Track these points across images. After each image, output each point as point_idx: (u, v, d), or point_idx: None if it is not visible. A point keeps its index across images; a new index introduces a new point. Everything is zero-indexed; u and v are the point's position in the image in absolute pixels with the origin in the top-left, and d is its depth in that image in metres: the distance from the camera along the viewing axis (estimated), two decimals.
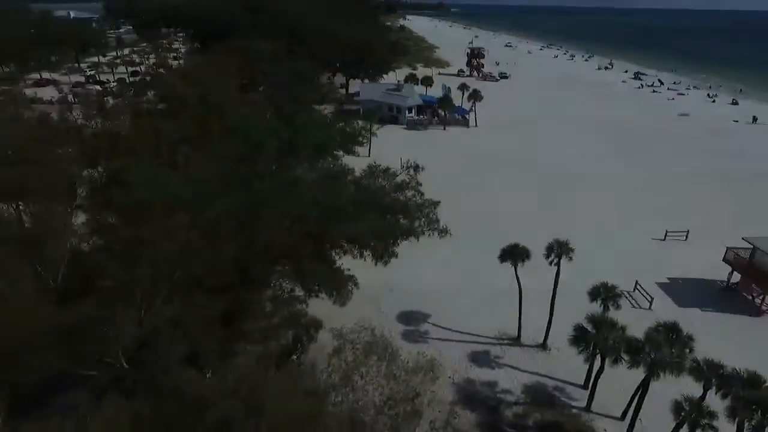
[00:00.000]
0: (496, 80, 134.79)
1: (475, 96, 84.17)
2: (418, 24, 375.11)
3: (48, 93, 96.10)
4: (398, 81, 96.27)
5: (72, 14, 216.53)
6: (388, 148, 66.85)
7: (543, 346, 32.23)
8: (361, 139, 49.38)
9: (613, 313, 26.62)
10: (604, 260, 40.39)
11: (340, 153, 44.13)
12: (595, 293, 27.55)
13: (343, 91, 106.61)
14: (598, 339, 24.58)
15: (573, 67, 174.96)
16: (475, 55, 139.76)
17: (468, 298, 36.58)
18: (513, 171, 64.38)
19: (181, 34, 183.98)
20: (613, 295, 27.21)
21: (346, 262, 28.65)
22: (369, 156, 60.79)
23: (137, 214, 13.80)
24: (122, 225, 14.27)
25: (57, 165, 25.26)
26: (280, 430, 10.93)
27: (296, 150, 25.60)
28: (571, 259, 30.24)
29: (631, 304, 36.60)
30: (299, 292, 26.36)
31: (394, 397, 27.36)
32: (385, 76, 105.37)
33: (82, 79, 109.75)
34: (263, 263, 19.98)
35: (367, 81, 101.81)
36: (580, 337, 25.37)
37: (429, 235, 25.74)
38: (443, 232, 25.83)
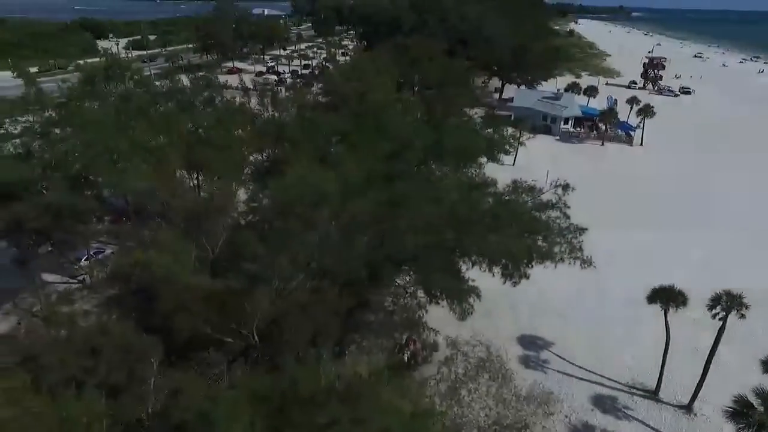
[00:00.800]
0: (675, 95, 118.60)
1: (646, 111, 75.09)
2: (590, 28, 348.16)
3: (236, 80, 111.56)
4: (557, 89, 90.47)
5: (266, 12, 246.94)
6: (535, 158, 63.42)
7: (688, 408, 27.80)
8: (508, 147, 47.72)
9: None
10: None
11: (485, 160, 43.24)
12: None
13: (497, 95, 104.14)
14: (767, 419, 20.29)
15: None
16: (652, 66, 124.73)
17: (600, 334, 33.12)
18: (680, 202, 56.08)
19: (351, 32, 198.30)
20: None
21: (472, 272, 27.96)
22: (513, 165, 58.47)
23: (287, 205, 15.16)
24: (273, 211, 15.79)
25: (233, 147, 29.25)
26: None
27: (441, 154, 25.61)
28: (743, 316, 25.43)
29: None
30: (421, 294, 26.52)
31: (501, 422, 26.05)
32: (544, 82, 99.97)
33: (264, 69, 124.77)
34: (392, 264, 20.50)
35: (523, 87, 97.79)
36: (742, 413, 21.23)
37: (569, 263, 23.56)
38: (586, 262, 23.44)
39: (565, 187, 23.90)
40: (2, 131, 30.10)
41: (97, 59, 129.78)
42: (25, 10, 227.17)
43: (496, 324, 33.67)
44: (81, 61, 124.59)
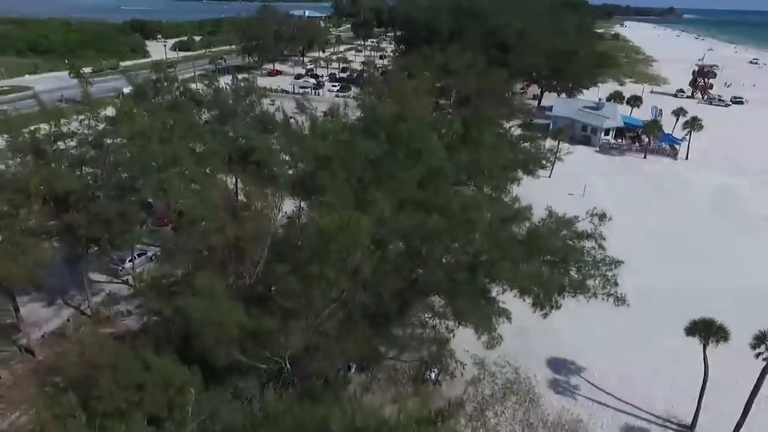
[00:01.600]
0: (726, 106, 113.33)
1: (693, 124, 72.12)
2: (637, 31, 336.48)
3: (276, 82, 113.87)
4: (599, 99, 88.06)
5: (307, 13, 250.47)
6: (572, 171, 61.81)
7: None
8: (545, 162, 47.09)
9: None
10: None
11: (521, 175, 42.69)
12: None
13: (535, 102, 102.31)
14: None
15: None
16: (702, 74, 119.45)
17: (634, 362, 32.17)
18: (733, 228, 52.26)
19: (390, 34, 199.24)
20: None
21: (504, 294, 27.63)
22: (550, 177, 57.38)
23: (322, 247, 15.53)
24: (308, 250, 16.11)
25: (272, 159, 30.14)
26: None
27: (476, 176, 25.52)
28: None
29: None
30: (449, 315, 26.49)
31: None
32: (585, 91, 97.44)
33: (303, 71, 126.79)
34: (422, 296, 20.70)
35: (563, 95, 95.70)
36: None
37: (602, 299, 22.87)
38: (619, 300, 22.71)
39: (602, 216, 23.31)
40: (64, 130, 31.76)
41: (145, 60, 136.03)
42: (77, 10, 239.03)
43: (526, 345, 33.21)
44: (129, 62, 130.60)
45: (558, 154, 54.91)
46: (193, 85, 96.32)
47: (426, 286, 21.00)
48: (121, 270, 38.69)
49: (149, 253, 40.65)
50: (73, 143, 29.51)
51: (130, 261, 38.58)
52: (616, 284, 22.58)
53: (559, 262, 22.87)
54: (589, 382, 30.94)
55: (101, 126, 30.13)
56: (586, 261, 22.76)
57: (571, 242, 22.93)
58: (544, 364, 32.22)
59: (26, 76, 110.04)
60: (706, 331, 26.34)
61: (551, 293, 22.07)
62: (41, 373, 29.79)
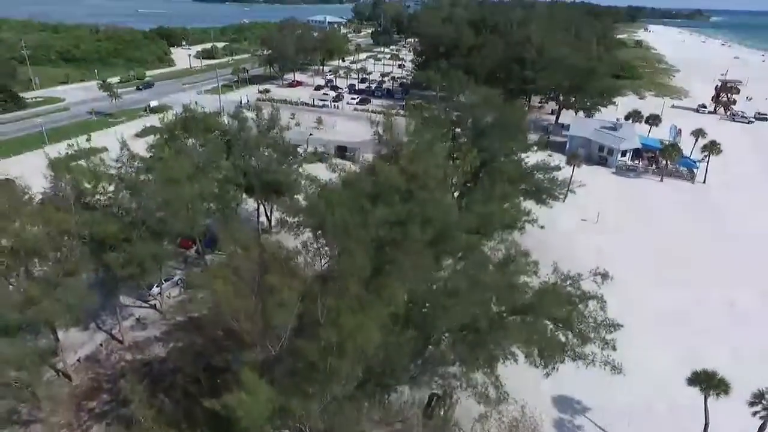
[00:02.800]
0: (750, 122, 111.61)
1: (712, 148, 71.88)
2: (661, 37, 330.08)
3: (296, 93, 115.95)
4: (617, 119, 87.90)
5: (327, 18, 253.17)
6: (587, 193, 61.56)
7: None
8: (557, 193, 48.07)
9: None
10: None
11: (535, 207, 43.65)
12: None
13: (552, 118, 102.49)
14: None
15: None
16: (725, 89, 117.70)
17: (639, 404, 32.95)
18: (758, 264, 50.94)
19: (409, 40, 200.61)
20: None
21: None
22: (564, 201, 57.91)
23: (339, 343, 17.06)
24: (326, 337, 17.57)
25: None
26: None
27: (487, 229, 26.76)
28: None
29: None
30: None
31: None
32: (603, 109, 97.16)
33: (323, 83, 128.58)
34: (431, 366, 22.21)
35: (581, 114, 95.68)
36: None
37: (600, 367, 23.68)
38: (615, 369, 23.58)
39: (604, 276, 24.31)
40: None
41: (170, 69, 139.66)
42: (97, 14, 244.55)
43: (533, 382, 33.97)
44: (156, 71, 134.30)
45: (571, 186, 55.53)
46: (216, 96, 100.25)
47: (435, 360, 22.45)
48: (149, 295, 40.93)
49: (176, 278, 42.88)
50: (111, 188, 31.71)
51: (158, 287, 40.75)
52: (614, 349, 23.55)
53: (563, 322, 23.95)
54: (594, 423, 31.85)
55: (135, 166, 32.47)
56: (588, 323, 23.76)
57: (575, 299, 23.94)
58: (550, 402, 33.24)
59: (58, 86, 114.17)
60: (708, 382, 27.23)
61: (553, 355, 23.20)
62: (78, 398, 32.20)
